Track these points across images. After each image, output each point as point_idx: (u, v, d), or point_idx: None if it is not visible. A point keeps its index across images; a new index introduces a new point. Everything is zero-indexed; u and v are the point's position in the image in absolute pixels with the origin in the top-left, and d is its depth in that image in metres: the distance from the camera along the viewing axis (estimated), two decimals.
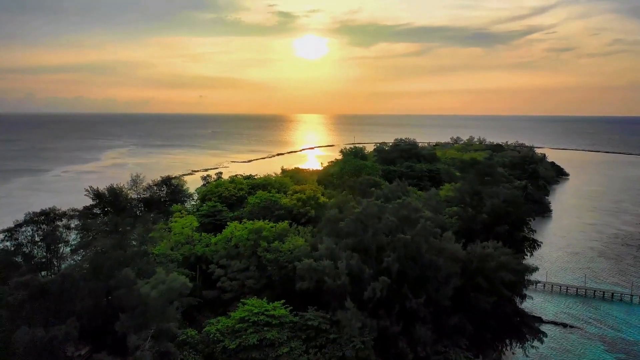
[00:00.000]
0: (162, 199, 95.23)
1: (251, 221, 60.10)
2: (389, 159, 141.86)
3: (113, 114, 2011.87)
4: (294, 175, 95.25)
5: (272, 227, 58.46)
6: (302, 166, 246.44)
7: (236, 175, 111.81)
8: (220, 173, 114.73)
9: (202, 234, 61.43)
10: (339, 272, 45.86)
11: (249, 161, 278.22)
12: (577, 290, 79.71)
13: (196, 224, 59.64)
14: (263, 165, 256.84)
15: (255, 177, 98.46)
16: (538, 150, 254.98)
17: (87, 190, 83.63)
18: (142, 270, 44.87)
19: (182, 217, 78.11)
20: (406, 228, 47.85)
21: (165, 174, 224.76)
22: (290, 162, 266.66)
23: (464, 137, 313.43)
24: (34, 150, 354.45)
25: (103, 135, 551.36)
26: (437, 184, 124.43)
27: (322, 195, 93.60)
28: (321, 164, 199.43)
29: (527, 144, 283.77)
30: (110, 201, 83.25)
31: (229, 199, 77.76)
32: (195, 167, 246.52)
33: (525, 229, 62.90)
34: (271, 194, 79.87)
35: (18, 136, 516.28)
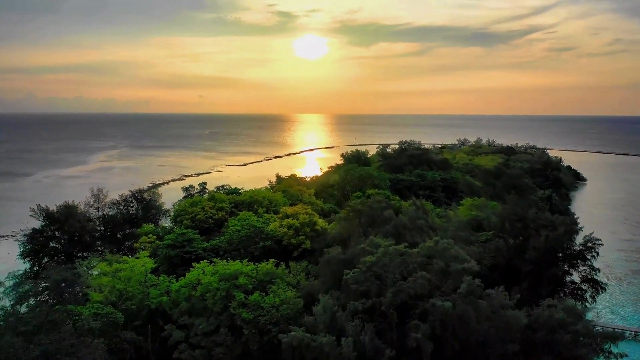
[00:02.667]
0: (133, 216, 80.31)
1: (225, 260, 45.19)
2: (396, 166, 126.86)
3: (112, 114, 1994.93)
4: (287, 190, 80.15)
5: (252, 270, 43.52)
6: (300, 170, 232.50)
7: (222, 187, 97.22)
8: (204, 183, 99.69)
9: (161, 276, 46.42)
10: (343, 353, 30.94)
11: (245, 164, 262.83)
12: (635, 334, 64.61)
13: (151, 265, 44.56)
14: (259, 169, 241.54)
15: (241, 192, 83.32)
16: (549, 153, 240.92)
17: (32, 210, 68.67)
18: (48, 353, 29.91)
19: (152, 240, 63.67)
20: (443, 285, 32.90)
21: (153, 178, 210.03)
22: (289, 165, 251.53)
23: (468, 138, 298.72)
24: (21, 152, 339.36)
25: (97, 136, 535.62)
26: (451, 195, 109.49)
27: (321, 213, 78.89)
28: (320, 169, 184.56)
29: (538, 145, 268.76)
30: (62, 222, 68.25)
31: (205, 222, 62.66)
32: (187, 171, 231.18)
33: (587, 268, 48.12)
34: (258, 215, 65.01)
35: (9, 137, 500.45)
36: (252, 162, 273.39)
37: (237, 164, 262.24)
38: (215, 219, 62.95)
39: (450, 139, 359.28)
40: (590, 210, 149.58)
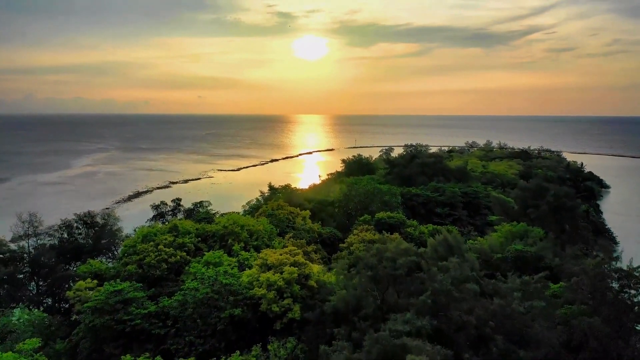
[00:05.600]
0: (82, 247, 63.28)
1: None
2: (406, 176, 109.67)
3: (112, 115, 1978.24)
4: (275, 214, 62.82)
5: None
6: (298, 175, 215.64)
7: (200, 204, 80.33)
8: (179, 200, 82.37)
9: None
10: None
11: (238, 169, 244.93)
12: None
13: None
14: (253, 174, 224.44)
15: (216, 217, 65.98)
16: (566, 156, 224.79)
17: None
18: None
19: (91, 287, 46.73)
20: None
21: (137, 185, 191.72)
22: (285, 170, 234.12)
23: (471, 139, 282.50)
24: (7, 154, 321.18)
25: (90, 137, 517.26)
26: (474, 212, 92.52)
27: (320, 241, 61.96)
28: (319, 176, 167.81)
29: (552, 148, 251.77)
30: None
31: (157, 267, 45.27)
32: (175, 176, 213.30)
33: None
34: (233, 254, 47.99)
35: (1, 138, 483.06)
36: (247, 167, 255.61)
37: (230, 169, 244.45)
38: (170, 262, 45.61)
39: (453, 140, 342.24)
40: (622, 222, 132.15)
